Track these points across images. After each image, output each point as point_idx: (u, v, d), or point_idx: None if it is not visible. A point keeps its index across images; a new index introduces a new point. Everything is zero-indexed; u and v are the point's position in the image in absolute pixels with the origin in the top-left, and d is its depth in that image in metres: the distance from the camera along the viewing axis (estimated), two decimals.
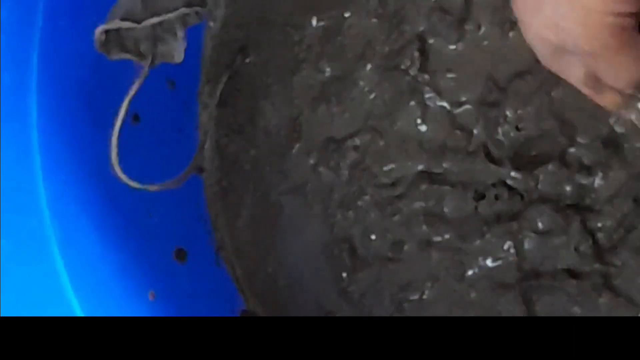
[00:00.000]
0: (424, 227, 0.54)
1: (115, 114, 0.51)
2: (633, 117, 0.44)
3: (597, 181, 0.51)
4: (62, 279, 0.48)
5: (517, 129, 0.52)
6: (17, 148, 0.49)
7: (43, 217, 0.49)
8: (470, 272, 0.53)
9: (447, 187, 0.53)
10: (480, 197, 0.53)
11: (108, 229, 0.52)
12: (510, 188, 0.52)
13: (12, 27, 0.48)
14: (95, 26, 0.49)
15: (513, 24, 0.52)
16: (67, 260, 0.49)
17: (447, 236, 0.53)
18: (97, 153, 0.52)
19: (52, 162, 0.50)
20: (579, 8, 0.40)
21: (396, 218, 0.54)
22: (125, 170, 0.51)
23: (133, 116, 0.55)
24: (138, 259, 0.54)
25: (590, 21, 0.40)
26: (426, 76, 0.54)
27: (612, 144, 0.50)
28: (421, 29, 0.54)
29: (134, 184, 0.51)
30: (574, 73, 0.44)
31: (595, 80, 0.44)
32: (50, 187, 0.49)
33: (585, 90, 0.45)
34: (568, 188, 0.51)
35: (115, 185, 0.51)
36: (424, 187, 0.54)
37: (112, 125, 0.51)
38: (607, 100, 0.45)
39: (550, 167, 0.51)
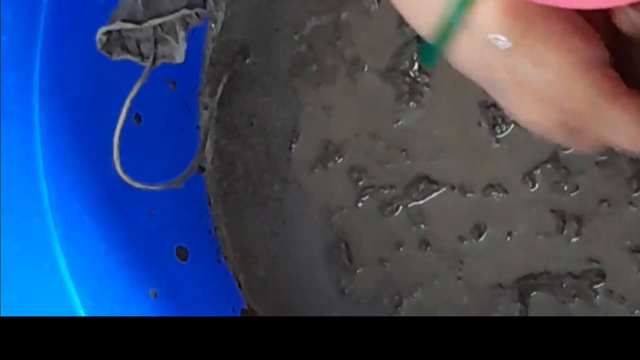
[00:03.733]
0: (423, 228, 0.54)
1: (117, 114, 0.51)
2: None
3: (594, 181, 0.51)
4: (64, 277, 0.48)
5: (517, 129, 0.53)
6: (20, 147, 0.49)
7: (45, 216, 0.49)
8: (468, 272, 0.54)
9: (445, 188, 0.53)
10: (479, 197, 0.53)
11: (110, 227, 0.53)
12: (508, 188, 0.53)
13: (15, 27, 0.48)
14: (97, 27, 0.49)
15: None
16: (69, 259, 0.49)
17: (445, 236, 0.54)
18: (98, 152, 0.52)
19: (54, 161, 0.50)
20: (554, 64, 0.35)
21: (395, 218, 0.55)
22: (127, 169, 0.51)
23: (135, 116, 0.55)
24: (140, 257, 0.54)
25: (569, 74, 0.35)
26: (425, 77, 0.54)
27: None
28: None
29: (135, 184, 0.51)
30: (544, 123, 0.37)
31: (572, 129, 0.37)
32: (53, 186, 0.49)
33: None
34: (565, 188, 0.52)
35: (117, 184, 0.51)
36: (422, 187, 0.54)
37: (113, 124, 0.51)
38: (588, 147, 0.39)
39: (549, 166, 0.52)
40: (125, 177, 0.50)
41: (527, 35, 0.35)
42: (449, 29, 0.36)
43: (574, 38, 0.35)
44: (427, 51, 0.38)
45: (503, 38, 0.35)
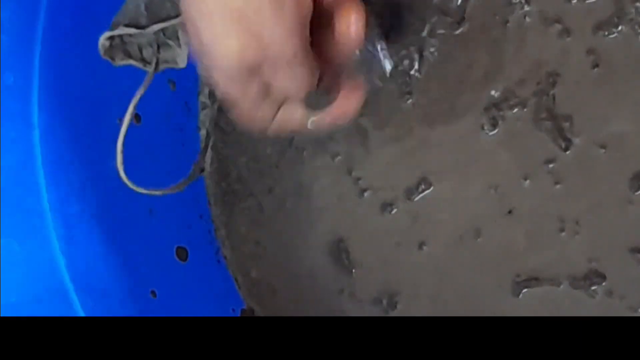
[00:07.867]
0: (422, 229, 0.54)
1: (116, 114, 0.51)
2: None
3: (594, 181, 0.51)
4: (63, 277, 0.49)
5: (518, 129, 0.53)
6: (20, 147, 0.49)
7: (45, 216, 0.49)
8: (468, 272, 0.54)
9: (445, 188, 0.54)
10: (478, 197, 0.53)
11: (109, 228, 0.53)
12: (508, 189, 0.53)
13: (15, 27, 0.48)
14: (96, 27, 0.49)
15: (512, 25, 0.52)
16: (68, 259, 0.49)
17: (444, 238, 0.54)
18: (98, 153, 0.52)
19: (54, 161, 0.50)
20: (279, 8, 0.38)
21: (395, 220, 0.55)
22: (126, 169, 0.51)
23: (135, 116, 0.55)
24: (139, 258, 0.54)
25: (290, 19, 0.38)
26: (426, 78, 0.54)
27: (608, 145, 0.51)
28: (420, 30, 0.54)
29: (138, 189, 0.51)
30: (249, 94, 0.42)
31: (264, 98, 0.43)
32: (52, 186, 0.49)
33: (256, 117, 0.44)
34: (565, 188, 0.52)
35: (116, 184, 0.51)
36: (422, 188, 0.54)
37: (112, 124, 0.51)
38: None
39: (549, 166, 0.52)
40: (128, 183, 0.50)
41: None
42: None
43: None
44: None
45: None
